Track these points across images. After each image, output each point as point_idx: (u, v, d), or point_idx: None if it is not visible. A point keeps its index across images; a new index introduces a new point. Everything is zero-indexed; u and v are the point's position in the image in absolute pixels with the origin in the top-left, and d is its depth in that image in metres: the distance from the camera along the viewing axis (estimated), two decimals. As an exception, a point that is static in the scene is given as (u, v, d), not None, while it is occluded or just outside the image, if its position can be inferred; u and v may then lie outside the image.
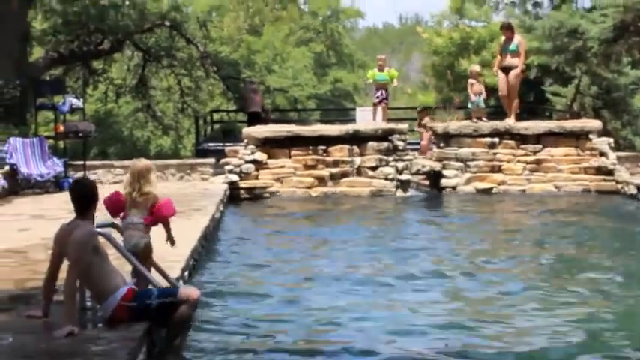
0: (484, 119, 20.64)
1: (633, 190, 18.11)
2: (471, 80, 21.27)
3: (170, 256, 8.78)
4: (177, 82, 35.46)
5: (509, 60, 19.95)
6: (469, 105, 21.56)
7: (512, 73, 20.01)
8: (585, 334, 7.76)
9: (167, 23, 32.53)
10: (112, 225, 7.70)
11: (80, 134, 19.74)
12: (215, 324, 8.09)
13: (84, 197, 6.82)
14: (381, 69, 17.32)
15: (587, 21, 26.05)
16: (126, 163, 21.18)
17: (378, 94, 21.60)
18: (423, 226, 15.14)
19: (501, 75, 20.20)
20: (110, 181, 19.82)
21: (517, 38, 20.22)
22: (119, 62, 36.27)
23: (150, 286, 7.08)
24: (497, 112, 21.71)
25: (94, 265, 6.62)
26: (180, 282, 8.37)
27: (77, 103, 19.88)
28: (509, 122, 19.92)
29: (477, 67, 22.12)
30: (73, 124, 20.27)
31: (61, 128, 19.41)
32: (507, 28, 20.50)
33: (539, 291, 9.53)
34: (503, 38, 20.43)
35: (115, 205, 7.76)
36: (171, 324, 6.82)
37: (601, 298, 9.13)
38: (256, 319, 8.32)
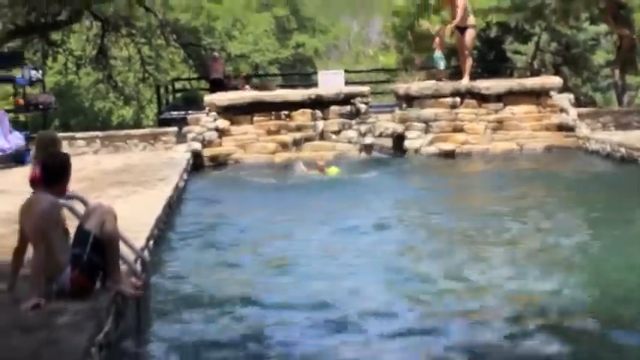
0: (444, 79, 20.74)
1: (594, 146, 18.27)
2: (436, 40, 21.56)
3: (135, 226, 8.78)
4: (137, 52, 35.18)
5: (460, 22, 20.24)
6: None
7: (466, 33, 20.21)
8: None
9: (125, -9, 32.21)
10: (78, 198, 7.67)
11: (41, 107, 19.61)
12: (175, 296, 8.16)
13: (52, 169, 6.82)
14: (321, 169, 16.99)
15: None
16: (88, 134, 21.09)
17: None
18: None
19: (458, 35, 20.44)
20: (72, 153, 19.70)
21: (457, 1, 20.38)
22: (78, 33, 35.88)
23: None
24: (458, 72, 21.76)
25: (55, 238, 6.62)
26: (146, 252, 8.39)
27: (36, 75, 19.72)
28: (463, 82, 20.05)
29: (440, 27, 22.23)
30: (33, 97, 20.11)
31: (21, 101, 19.26)
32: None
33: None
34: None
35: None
36: (108, 248, 6.77)
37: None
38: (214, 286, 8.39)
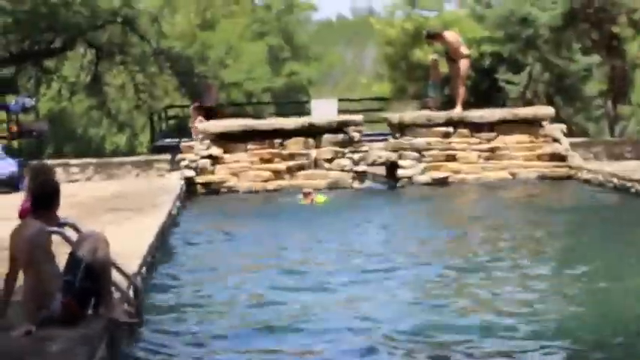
0: (433, 109, 20.80)
1: (587, 176, 18.32)
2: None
3: (127, 252, 8.77)
4: (131, 79, 35.22)
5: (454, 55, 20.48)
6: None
7: (460, 63, 20.35)
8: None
9: (119, 20, 32.25)
10: (71, 225, 7.65)
11: (35, 133, 19.61)
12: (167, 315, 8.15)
13: (40, 196, 6.83)
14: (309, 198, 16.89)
15: (537, 8, 26.22)
16: (82, 161, 21.09)
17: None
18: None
19: (451, 65, 20.64)
20: (66, 179, 19.69)
21: (446, 36, 20.59)
22: (72, 60, 35.92)
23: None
24: (451, 100, 21.81)
25: (44, 264, 6.60)
26: (138, 278, 8.38)
27: (30, 102, 19.75)
28: (456, 111, 20.13)
29: (434, 56, 22.32)
30: (27, 124, 20.14)
31: (15, 128, 19.26)
32: (430, 37, 21.01)
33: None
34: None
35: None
36: (100, 274, 6.74)
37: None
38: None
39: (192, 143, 19.96)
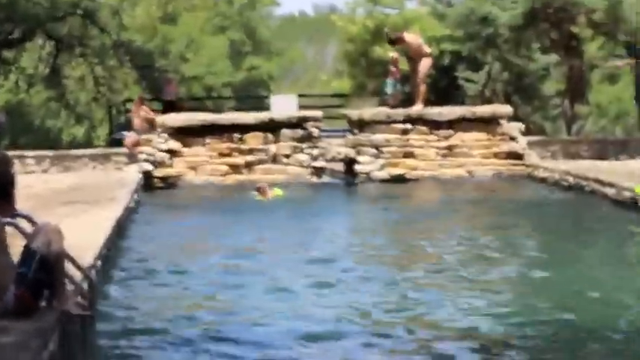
0: (391, 106, 20.90)
1: (543, 174, 18.49)
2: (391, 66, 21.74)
3: (83, 244, 8.74)
4: (90, 71, 34.99)
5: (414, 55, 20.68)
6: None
7: (422, 61, 20.48)
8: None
9: (79, 12, 32.01)
10: (26, 217, 7.59)
11: (-9, 125, 19.46)
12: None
13: None
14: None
15: (497, 8, 26.41)
16: (38, 153, 20.94)
17: None
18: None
19: (412, 63, 20.76)
20: (22, 171, 19.54)
21: (407, 40, 20.74)
22: (30, 52, 35.62)
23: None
24: (410, 98, 21.91)
25: None
26: (93, 271, 8.35)
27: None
28: (416, 108, 20.25)
29: (394, 54, 22.42)
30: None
31: (-30, 119, 19.11)
32: (392, 42, 21.12)
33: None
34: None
35: None
36: (54, 267, 6.72)
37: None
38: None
39: (150, 136, 19.90)
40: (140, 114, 21.13)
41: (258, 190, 16.59)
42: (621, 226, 12.72)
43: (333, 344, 7.09)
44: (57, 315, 6.62)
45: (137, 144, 20.30)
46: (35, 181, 17.31)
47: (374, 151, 19.73)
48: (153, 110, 22.50)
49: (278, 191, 16.69)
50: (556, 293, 8.68)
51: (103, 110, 37.22)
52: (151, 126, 20.54)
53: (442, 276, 9.62)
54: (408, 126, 19.95)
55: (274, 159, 19.57)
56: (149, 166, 19.09)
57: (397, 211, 15.70)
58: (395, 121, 19.97)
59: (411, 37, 21.33)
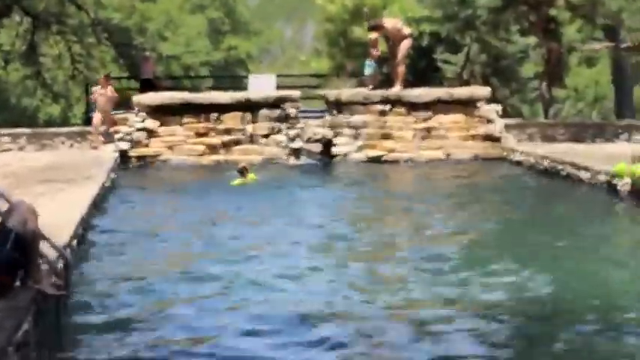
0: (370, 87, 20.86)
1: (519, 157, 18.55)
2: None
3: (59, 223, 8.71)
4: (67, 49, 34.76)
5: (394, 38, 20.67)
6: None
7: (402, 43, 20.46)
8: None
9: (57, -12, 31.83)
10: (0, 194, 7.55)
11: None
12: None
13: None
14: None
15: (476, -11, 26.40)
16: (14, 130, 20.82)
17: None
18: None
19: (391, 44, 20.72)
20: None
21: (387, 26, 20.71)
22: (7, 28, 35.35)
23: None
24: (389, 79, 21.89)
25: None
26: (68, 250, 8.33)
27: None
28: (394, 90, 20.25)
29: (374, 35, 22.35)
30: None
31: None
32: (373, 29, 21.04)
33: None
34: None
35: None
36: (29, 246, 6.69)
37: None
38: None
39: (127, 115, 19.85)
40: (107, 93, 20.87)
41: (242, 171, 16.00)
42: (595, 210, 12.83)
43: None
44: (32, 294, 6.60)
45: (103, 123, 20.23)
46: (11, 159, 17.23)
47: (352, 132, 19.71)
48: (129, 89, 22.37)
49: (252, 175, 16.31)
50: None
51: (80, 89, 37.06)
52: (116, 105, 20.51)
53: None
54: (387, 107, 19.93)
55: (251, 139, 19.52)
56: (126, 145, 19.02)
57: (370, 194, 15.61)
58: (373, 102, 19.95)
59: (391, 22, 21.27)
